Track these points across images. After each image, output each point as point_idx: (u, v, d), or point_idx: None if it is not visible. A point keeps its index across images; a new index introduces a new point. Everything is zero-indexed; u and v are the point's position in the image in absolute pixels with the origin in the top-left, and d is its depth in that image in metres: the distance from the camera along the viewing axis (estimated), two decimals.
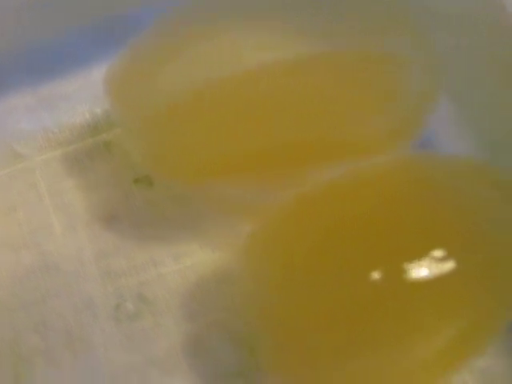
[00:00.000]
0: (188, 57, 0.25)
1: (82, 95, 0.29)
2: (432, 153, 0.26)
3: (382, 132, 0.25)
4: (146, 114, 0.25)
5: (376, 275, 0.21)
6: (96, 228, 0.27)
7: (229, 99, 0.24)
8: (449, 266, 0.21)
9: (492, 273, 0.22)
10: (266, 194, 0.25)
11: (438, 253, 0.21)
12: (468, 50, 0.26)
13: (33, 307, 0.26)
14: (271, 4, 0.26)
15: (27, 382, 0.25)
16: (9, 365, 0.25)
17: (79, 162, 0.28)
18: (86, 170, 0.28)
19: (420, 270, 0.21)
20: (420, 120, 0.26)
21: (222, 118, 0.24)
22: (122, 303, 0.26)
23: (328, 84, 0.24)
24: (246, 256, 0.23)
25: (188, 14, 0.26)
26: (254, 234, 0.23)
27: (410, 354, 0.22)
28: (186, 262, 0.27)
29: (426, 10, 0.25)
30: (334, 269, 0.21)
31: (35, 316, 0.26)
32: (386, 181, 0.23)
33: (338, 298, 0.21)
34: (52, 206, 0.27)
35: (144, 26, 0.25)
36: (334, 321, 0.21)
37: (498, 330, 0.23)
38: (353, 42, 0.25)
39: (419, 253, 0.21)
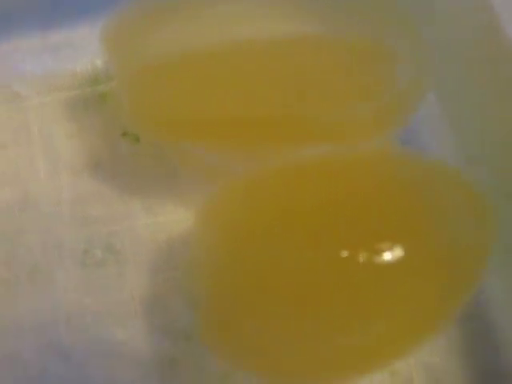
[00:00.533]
0: (183, 19, 0.25)
1: (86, 45, 0.29)
2: (408, 150, 0.26)
3: (365, 118, 0.25)
4: (136, 69, 0.25)
5: (325, 255, 0.21)
6: (78, 174, 0.28)
7: (215, 65, 0.24)
8: (398, 255, 0.21)
9: (443, 268, 0.22)
10: (242, 163, 0.25)
11: (385, 243, 0.21)
12: (457, 49, 0.26)
13: (5, 239, 0.27)
14: None
15: None
16: None
17: (73, 109, 0.29)
18: (79, 117, 0.29)
19: (371, 256, 0.21)
20: (405, 109, 0.25)
21: (207, 82, 0.24)
22: (90, 249, 0.27)
23: (315, 66, 0.24)
24: (200, 222, 0.23)
25: None
26: (211, 201, 0.23)
27: (350, 333, 0.22)
28: (159, 218, 0.27)
29: (420, 6, 0.25)
30: (283, 246, 0.22)
31: (6, 247, 0.27)
32: (355, 168, 0.23)
33: (283, 274, 0.21)
34: (41, 147, 0.28)
35: None
36: (277, 295, 0.22)
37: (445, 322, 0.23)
38: (347, 27, 0.25)
39: (371, 238, 0.21)
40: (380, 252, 0.21)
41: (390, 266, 0.21)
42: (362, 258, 0.21)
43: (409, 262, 0.21)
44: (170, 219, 0.27)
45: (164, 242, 0.27)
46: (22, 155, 0.28)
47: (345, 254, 0.21)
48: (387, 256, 0.21)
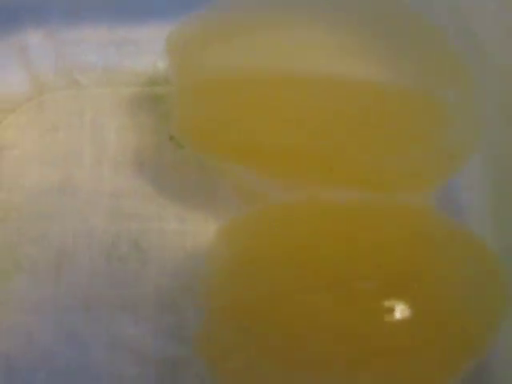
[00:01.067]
0: (248, 37, 0.25)
1: (150, 45, 0.30)
2: (442, 213, 0.26)
3: (408, 170, 0.25)
4: (194, 80, 0.26)
5: (331, 300, 0.22)
6: (121, 168, 0.29)
7: (271, 91, 0.25)
8: (405, 314, 0.22)
9: (449, 333, 0.22)
10: (280, 192, 0.26)
11: (393, 300, 0.22)
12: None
13: (39, 218, 0.28)
14: (344, 12, 0.26)
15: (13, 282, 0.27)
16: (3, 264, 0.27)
17: (128, 105, 0.30)
18: (132, 114, 0.30)
19: (377, 310, 0.22)
20: (451, 165, 0.25)
21: (260, 107, 0.25)
22: (117, 243, 0.28)
23: (368, 110, 0.24)
24: (219, 240, 0.24)
25: None
26: (234, 222, 0.24)
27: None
28: (188, 227, 0.28)
29: (481, 63, 0.25)
30: (289, 282, 0.22)
31: (38, 226, 0.28)
32: (383, 218, 0.24)
33: (283, 310, 0.22)
34: (90, 136, 0.29)
35: None
36: (273, 329, 0.22)
37: None
38: (402, 74, 0.25)
39: (380, 293, 0.22)
40: (387, 309, 0.21)
41: (394, 323, 0.21)
42: (367, 310, 0.21)
43: (415, 323, 0.22)
44: (199, 230, 0.28)
45: (188, 250, 0.27)
46: (71, 140, 0.29)
47: (351, 303, 0.21)
48: (393, 313, 0.21)
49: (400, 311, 0.22)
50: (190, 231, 0.28)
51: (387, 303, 0.22)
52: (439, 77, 0.25)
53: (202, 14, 0.26)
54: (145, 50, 0.30)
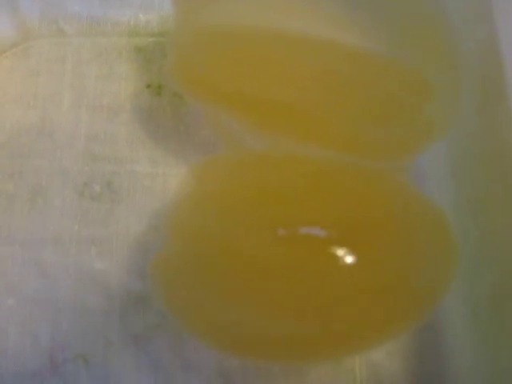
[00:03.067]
0: None
1: None
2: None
3: (381, 141, 0.25)
4: (197, 28, 0.26)
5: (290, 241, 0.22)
6: (98, 113, 0.30)
7: (265, 50, 0.25)
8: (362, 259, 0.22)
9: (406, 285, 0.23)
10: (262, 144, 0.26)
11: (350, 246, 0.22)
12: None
13: (17, 157, 0.29)
14: None
15: None
16: None
17: (108, 55, 0.31)
18: (111, 63, 0.30)
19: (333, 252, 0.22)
20: (426, 142, 0.26)
21: (252, 62, 0.25)
22: (90, 183, 0.28)
23: (351, 76, 0.25)
24: (186, 179, 0.24)
25: None
26: (202, 165, 0.25)
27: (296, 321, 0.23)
28: (159, 170, 0.29)
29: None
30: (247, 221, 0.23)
31: (16, 163, 0.29)
32: (342, 176, 0.24)
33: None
34: (69, 82, 0.30)
35: None
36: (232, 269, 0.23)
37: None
38: (393, 48, 0.25)
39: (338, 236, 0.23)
40: (338, 256, 0.22)
41: (343, 271, 0.22)
42: (319, 255, 0.22)
43: (366, 274, 0.22)
44: (170, 173, 0.29)
45: (158, 192, 0.28)
46: (52, 86, 0.30)
47: (306, 248, 0.22)
48: (343, 261, 0.22)
49: (350, 260, 0.22)
50: (161, 174, 0.29)
51: (339, 251, 0.22)
52: (427, 52, 0.25)
53: None
54: (128, 2, 0.31)
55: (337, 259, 0.22)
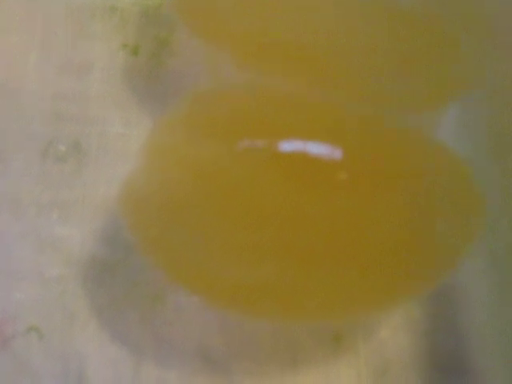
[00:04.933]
0: None
1: None
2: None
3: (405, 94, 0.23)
4: None
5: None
6: (68, 73, 0.27)
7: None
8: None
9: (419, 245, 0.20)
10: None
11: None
12: None
13: None
14: None
15: None
16: None
17: (81, 15, 0.28)
18: (84, 22, 0.28)
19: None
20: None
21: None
22: (55, 143, 0.26)
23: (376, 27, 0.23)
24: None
25: None
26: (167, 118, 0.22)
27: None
28: (132, 132, 0.26)
29: None
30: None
31: None
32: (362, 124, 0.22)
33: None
34: (39, 41, 0.28)
35: None
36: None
37: None
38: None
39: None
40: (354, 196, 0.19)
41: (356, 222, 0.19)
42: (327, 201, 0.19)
43: (382, 225, 0.20)
44: (144, 134, 0.26)
45: (131, 155, 0.25)
46: (19, 44, 0.27)
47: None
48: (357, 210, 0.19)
49: (359, 205, 0.20)
50: (135, 135, 0.26)
51: (347, 192, 0.20)
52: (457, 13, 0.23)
53: None
54: None
55: (343, 202, 0.20)
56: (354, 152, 0.20)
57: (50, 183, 0.25)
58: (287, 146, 0.20)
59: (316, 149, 0.20)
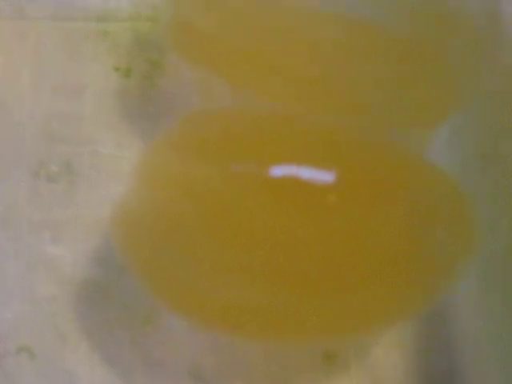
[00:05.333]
0: None
1: None
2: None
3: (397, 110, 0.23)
4: None
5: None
6: (61, 94, 0.27)
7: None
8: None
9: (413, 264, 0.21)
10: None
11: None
12: None
13: None
14: None
15: None
16: None
17: (74, 38, 0.28)
18: (78, 46, 0.28)
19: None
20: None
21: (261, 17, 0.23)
22: (47, 163, 0.26)
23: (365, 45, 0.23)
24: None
25: None
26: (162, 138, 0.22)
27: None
28: (125, 154, 0.26)
29: None
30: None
31: None
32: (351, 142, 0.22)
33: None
34: (32, 62, 0.28)
35: None
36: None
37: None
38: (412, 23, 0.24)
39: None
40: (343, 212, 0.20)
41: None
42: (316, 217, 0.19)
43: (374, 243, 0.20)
44: (136, 156, 0.26)
45: (123, 176, 0.25)
46: (12, 64, 0.28)
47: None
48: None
49: (348, 221, 0.20)
50: (127, 157, 0.26)
51: (335, 211, 0.20)
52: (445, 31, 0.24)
53: None
54: None
55: (335, 224, 0.20)
56: (346, 172, 0.20)
57: (41, 203, 0.25)
58: (279, 170, 0.20)
59: (308, 173, 0.20)
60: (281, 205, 0.20)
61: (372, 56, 0.23)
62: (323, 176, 0.20)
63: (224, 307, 0.20)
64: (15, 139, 0.26)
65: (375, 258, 0.20)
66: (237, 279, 0.20)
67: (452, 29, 0.24)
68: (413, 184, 0.22)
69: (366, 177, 0.21)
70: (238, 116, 0.23)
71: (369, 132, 0.23)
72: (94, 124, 0.27)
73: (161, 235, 0.20)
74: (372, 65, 0.23)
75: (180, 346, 0.23)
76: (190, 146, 0.21)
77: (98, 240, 0.24)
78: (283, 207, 0.20)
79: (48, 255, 0.24)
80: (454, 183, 0.22)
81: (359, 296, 0.20)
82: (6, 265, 0.24)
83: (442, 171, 0.22)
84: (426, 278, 0.21)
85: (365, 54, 0.23)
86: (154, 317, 0.23)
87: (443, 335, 0.24)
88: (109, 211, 0.24)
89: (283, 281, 0.20)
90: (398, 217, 0.21)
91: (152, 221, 0.20)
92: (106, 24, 0.29)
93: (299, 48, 0.23)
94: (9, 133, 0.26)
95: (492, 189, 0.24)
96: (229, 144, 0.21)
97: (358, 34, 0.24)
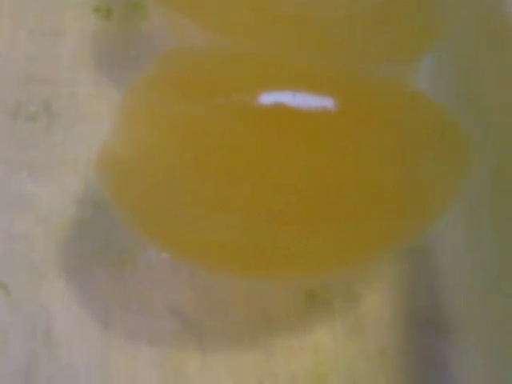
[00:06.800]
0: None
1: None
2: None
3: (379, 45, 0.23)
4: None
5: None
6: (39, 36, 0.27)
7: None
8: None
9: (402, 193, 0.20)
10: None
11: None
12: None
13: None
14: None
15: None
16: None
17: None
18: None
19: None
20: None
21: None
22: (25, 104, 0.25)
23: None
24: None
25: None
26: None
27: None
28: (104, 92, 0.26)
29: None
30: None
31: None
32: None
33: None
34: (8, 7, 0.27)
35: None
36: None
37: None
38: None
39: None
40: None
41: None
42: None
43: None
44: (116, 95, 0.25)
45: (102, 114, 0.25)
46: None
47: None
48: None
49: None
50: (106, 96, 0.25)
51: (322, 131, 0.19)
52: None
53: None
54: None
55: (322, 147, 0.19)
56: (336, 100, 0.20)
57: (19, 143, 0.25)
58: (267, 97, 0.20)
59: (297, 99, 0.19)
60: (270, 135, 0.19)
61: None
62: (313, 102, 0.20)
63: (206, 240, 0.20)
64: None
65: (366, 188, 0.20)
66: (224, 214, 0.19)
67: None
68: (402, 111, 0.21)
69: (356, 104, 0.20)
70: (217, 52, 0.22)
71: (350, 66, 0.22)
72: (73, 65, 0.26)
73: (147, 175, 0.20)
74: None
75: (159, 283, 0.23)
76: (171, 83, 0.21)
77: (75, 179, 0.24)
78: (272, 137, 0.19)
79: (25, 194, 0.24)
80: (443, 109, 0.21)
81: (349, 227, 0.20)
82: None
83: (430, 98, 0.22)
84: (418, 208, 0.20)
85: None
86: (132, 253, 0.23)
87: (428, 271, 0.23)
88: (86, 151, 0.24)
89: (271, 215, 0.19)
90: (390, 145, 0.20)
91: (137, 161, 0.20)
92: None
93: None
94: None
95: (474, 123, 0.23)
96: (211, 78, 0.20)
97: None
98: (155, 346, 0.22)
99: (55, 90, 0.26)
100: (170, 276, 0.23)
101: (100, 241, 0.23)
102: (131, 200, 0.20)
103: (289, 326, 0.22)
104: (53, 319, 0.22)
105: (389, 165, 0.20)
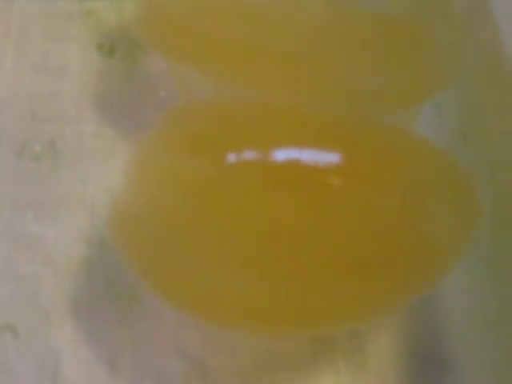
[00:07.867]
0: None
1: None
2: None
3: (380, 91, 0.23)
4: None
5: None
6: (43, 73, 0.27)
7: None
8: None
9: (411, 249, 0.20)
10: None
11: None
12: None
13: None
14: None
15: None
16: None
17: (57, 18, 0.28)
18: (60, 24, 0.28)
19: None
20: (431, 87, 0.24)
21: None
22: (31, 142, 0.26)
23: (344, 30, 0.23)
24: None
25: None
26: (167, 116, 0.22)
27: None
28: (108, 131, 0.26)
29: None
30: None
31: None
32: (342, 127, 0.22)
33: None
34: (15, 43, 0.28)
35: None
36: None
37: None
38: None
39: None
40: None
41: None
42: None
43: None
44: (119, 134, 0.26)
45: (106, 154, 0.25)
46: None
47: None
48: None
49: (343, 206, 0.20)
50: (110, 135, 0.26)
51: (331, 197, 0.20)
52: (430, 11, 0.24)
53: None
54: None
55: (335, 202, 0.20)
56: (346, 154, 0.20)
57: (25, 182, 0.25)
58: (278, 154, 0.20)
59: (308, 155, 0.20)
60: (281, 192, 0.19)
61: (357, 37, 0.23)
62: (324, 158, 0.20)
63: (224, 300, 0.20)
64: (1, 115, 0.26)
65: (379, 241, 0.20)
66: (236, 271, 0.19)
67: (438, 7, 0.24)
68: (409, 160, 0.21)
69: (364, 157, 0.20)
70: (227, 106, 0.22)
71: (358, 114, 0.22)
72: (76, 103, 0.26)
73: (158, 231, 0.20)
74: (357, 46, 0.23)
75: (165, 323, 0.23)
76: (181, 139, 0.21)
77: (81, 218, 0.24)
78: (283, 194, 0.19)
79: (31, 234, 0.24)
80: (447, 157, 0.22)
81: (362, 282, 0.20)
82: None
83: (435, 146, 0.22)
84: (429, 259, 0.20)
85: (350, 35, 0.23)
86: (138, 294, 0.23)
87: (429, 311, 0.23)
88: (92, 189, 0.25)
89: (284, 271, 0.19)
90: (399, 195, 0.20)
91: (148, 217, 0.20)
92: (89, 3, 0.29)
93: (281, 33, 0.23)
94: None
95: (474, 166, 0.24)
96: (221, 135, 0.21)
97: (342, 15, 0.23)
98: None
99: (60, 129, 0.26)
100: (176, 317, 0.23)
101: (107, 281, 0.23)
102: (141, 257, 0.20)
103: (293, 365, 0.23)
104: (61, 361, 0.22)
105: (397, 218, 0.20)
